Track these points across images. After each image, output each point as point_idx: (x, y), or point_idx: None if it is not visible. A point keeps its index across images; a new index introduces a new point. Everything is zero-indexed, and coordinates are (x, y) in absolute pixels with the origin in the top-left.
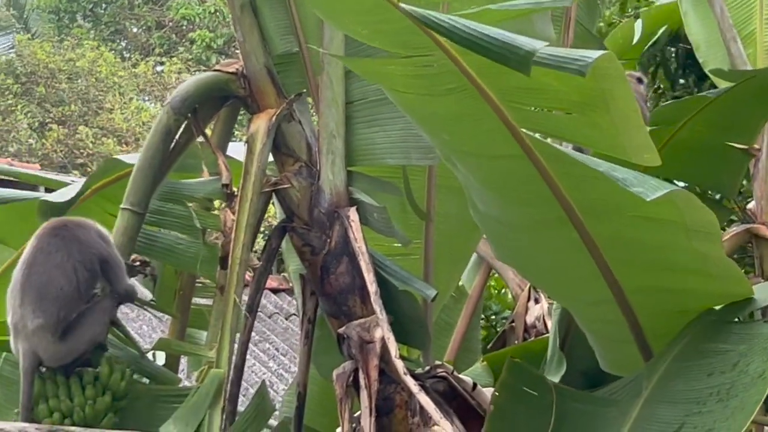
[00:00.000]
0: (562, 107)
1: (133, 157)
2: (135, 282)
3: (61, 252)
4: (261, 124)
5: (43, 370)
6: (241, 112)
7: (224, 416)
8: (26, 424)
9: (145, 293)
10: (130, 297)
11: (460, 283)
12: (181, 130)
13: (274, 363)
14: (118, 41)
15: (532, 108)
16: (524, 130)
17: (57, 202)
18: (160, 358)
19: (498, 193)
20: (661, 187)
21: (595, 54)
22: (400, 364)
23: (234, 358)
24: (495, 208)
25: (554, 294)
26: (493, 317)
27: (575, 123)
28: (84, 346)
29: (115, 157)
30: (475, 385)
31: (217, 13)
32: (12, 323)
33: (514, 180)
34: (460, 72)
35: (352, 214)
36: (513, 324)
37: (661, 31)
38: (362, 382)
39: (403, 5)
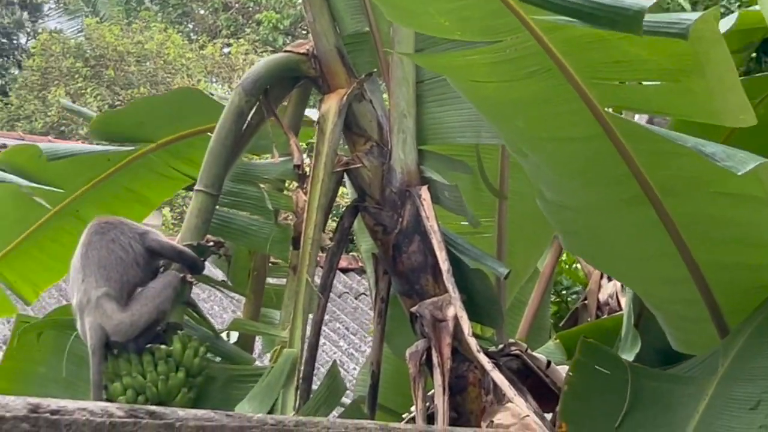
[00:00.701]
0: (653, 77)
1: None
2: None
3: (113, 231)
4: (332, 104)
5: (115, 352)
6: (313, 93)
7: (298, 395)
8: (108, 404)
9: (217, 274)
10: (196, 266)
11: None
12: (252, 111)
13: (345, 342)
14: (185, 23)
15: (618, 82)
16: (606, 109)
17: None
18: (233, 338)
19: (572, 176)
20: (750, 161)
21: (693, 16)
22: (473, 342)
23: (307, 337)
24: (565, 193)
25: (625, 277)
26: (564, 292)
27: (665, 92)
28: (148, 317)
29: (192, 88)
30: (549, 362)
31: None
32: (76, 304)
33: (591, 161)
34: (544, 52)
35: (424, 192)
36: (585, 301)
37: None
38: (435, 360)
39: None
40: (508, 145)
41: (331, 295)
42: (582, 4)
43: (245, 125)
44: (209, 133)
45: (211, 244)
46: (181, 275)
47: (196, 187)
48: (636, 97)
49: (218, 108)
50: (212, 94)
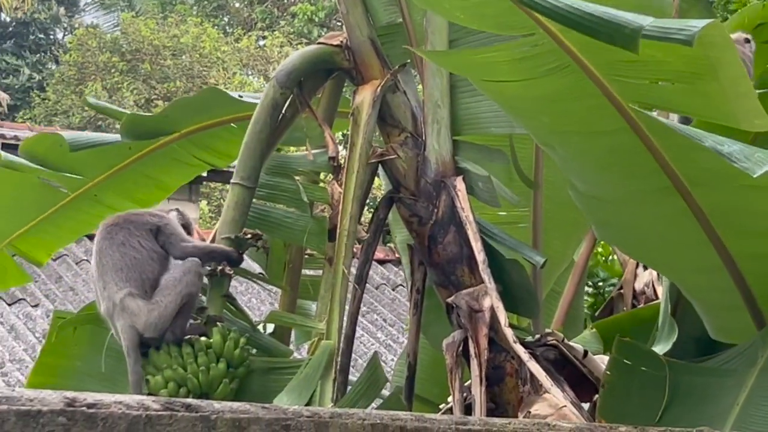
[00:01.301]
0: (668, 78)
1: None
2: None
3: (121, 233)
4: (366, 95)
5: (155, 348)
6: (346, 84)
7: (336, 387)
8: (144, 397)
9: (254, 266)
10: (231, 260)
11: None
12: (287, 103)
13: (382, 334)
14: (220, 17)
15: (636, 81)
16: (629, 105)
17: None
18: (270, 330)
19: (601, 169)
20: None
21: (700, 23)
22: (509, 333)
23: (344, 328)
24: (596, 185)
25: (659, 265)
26: (601, 284)
27: (682, 93)
28: (174, 304)
29: (217, 87)
30: (586, 352)
31: None
32: (104, 312)
33: (619, 154)
34: (562, 50)
35: (459, 183)
36: (621, 291)
37: None
38: (472, 351)
39: None
40: (536, 138)
41: (369, 286)
42: (583, 16)
43: (280, 118)
44: (233, 124)
45: (249, 236)
46: (211, 266)
47: (232, 180)
48: (655, 95)
49: (241, 103)
50: (241, 96)
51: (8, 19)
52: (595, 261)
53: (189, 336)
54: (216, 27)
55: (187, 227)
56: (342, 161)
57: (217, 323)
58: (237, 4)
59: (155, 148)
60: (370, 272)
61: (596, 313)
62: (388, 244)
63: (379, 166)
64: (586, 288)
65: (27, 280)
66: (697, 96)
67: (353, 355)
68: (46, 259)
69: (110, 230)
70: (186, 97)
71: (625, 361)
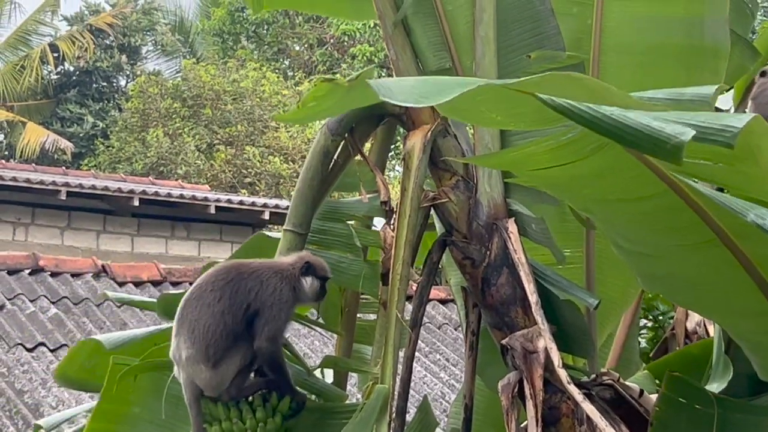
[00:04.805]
0: (707, 158)
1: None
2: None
3: (214, 293)
4: (417, 140)
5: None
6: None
7: (391, 430)
8: None
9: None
10: (268, 360)
11: None
12: (338, 150)
13: (445, 374)
14: (281, 60)
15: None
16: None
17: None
18: (329, 374)
19: (643, 228)
20: None
21: (741, 122)
22: (563, 374)
23: (399, 372)
24: (639, 243)
25: (705, 310)
26: (661, 317)
27: (722, 171)
28: (234, 371)
29: (262, 233)
30: (642, 391)
31: (377, 27)
32: (172, 354)
33: (661, 214)
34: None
35: (511, 225)
36: (674, 331)
37: None
38: (527, 392)
39: (540, 95)
40: (574, 205)
41: (431, 326)
42: (622, 128)
43: (331, 164)
44: None
45: None
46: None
47: (284, 227)
48: (696, 169)
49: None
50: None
51: (72, 68)
52: (654, 294)
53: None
54: (277, 71)
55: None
56: (394, 206)
57: None
58: (297, 48)
59: None
60: (433, 312)
61: (651, 354)
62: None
63: (431, 209)
64: (646, 322)
65: None
66: (736, 175)
67: (417, 396)
68: None
69: (211, 281)
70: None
71: (674, 397)
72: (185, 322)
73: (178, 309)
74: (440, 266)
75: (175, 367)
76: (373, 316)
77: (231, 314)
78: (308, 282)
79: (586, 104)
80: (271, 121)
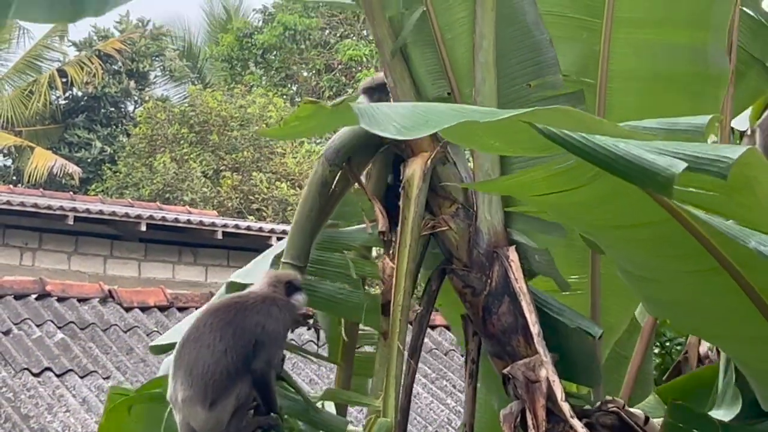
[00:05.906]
0: (704, 188)
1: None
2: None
3: (214, 333)
4: (416, 168)
5: None
6: None
7: None
8: None
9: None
10: (259, 381)
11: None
12: (336, 179)
13: (452, 400)
14: (288, 86)
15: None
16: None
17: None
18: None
19: (644, 254)
20: None
21: (735, 153)
22: (566, 408)
23: (400, 401)
24: (641, 268)
25: (708, 336)
26: (668, 344)
27: (719, 201)
28: (230, 411)
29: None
30: (647, 418)
31: None
32: (169, 396)
33: (663, 240)
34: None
35: (512, 253)
36: (687, 354)
37: None
38: (530, 422)
39: (536, 124)
40: (576, 229)
41: (438, 352)
42: (614, 159)
43: (329, 194)
44: None
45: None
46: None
47: (282, 260)
48: (693, 198)
49: None
50: None
51: (80, 94)
52: (663, 320)
53: None
54: (284, 96)
55: None
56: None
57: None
58: (305, 73)
59: None
60: (439, 338)
61: (664, 377)
62: None
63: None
64: (654, 348)
65: None
66: (734, 205)
67: (423, 422)
68: None
69: (209, 321)
70: None
71: (677, 424)
72: (182, 364)
73: (175, 351)
74: None
75: (173, 407)
76: (369, 348)
77: (235, 352)
78: (297, 299)
79: (580, 134)
80: (278, 147)
